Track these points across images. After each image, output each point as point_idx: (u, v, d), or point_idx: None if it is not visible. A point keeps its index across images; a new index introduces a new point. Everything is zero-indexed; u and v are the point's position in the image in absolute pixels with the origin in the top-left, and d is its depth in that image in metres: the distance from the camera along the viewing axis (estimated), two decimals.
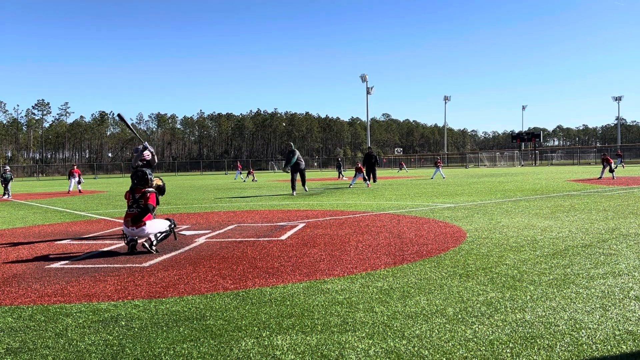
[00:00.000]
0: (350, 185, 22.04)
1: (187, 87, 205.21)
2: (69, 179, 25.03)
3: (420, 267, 5.05)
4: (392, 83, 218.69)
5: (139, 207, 6.44)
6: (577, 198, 12.46)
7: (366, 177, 22.54)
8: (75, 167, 26.09)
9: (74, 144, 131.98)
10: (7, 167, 22.95)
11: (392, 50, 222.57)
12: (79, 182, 24.76)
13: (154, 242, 6.41)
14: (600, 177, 23.16)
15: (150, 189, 6.64)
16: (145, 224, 6.33)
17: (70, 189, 24.41)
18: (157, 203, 6.70)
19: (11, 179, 22.43)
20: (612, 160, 24.22)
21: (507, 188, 17.57)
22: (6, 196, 21.21)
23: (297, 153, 18.42)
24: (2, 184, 21.99)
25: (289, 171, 18.39)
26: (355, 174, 22.83)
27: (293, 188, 17.82)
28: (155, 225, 6.47)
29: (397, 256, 5.67)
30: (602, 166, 24.31)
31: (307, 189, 18.64)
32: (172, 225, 6.78)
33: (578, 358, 2.77)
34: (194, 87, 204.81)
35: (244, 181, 35.13)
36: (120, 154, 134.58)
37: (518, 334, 3.12)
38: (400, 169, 57.10)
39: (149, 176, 6.75)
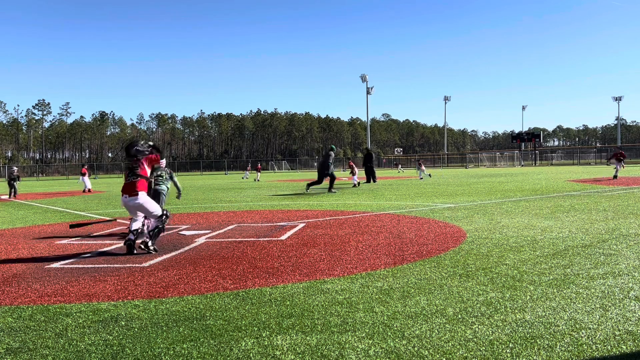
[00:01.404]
0: (355, 185, 22.07)
1: (187, 87, 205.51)
2: (82, 179, 25.35)
3: (420, 267, 5.05)
4: (392, 83, 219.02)
5: (134, 176, 6.38)
6: (577, 198, 12.46)
7: (355, 176, 22.83)
8: (85, 166, 27.03)
9: (74, 144, 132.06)
10: (15, 168, 22.64)
11: (392, 51, 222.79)
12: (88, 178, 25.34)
13: (150, 243, 6.32)
14: (616, 177, 21.22)
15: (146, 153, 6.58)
16: (138, 195, 6.28)
17: (90, 187, 24.48)
18: (152, 165, 6.67)
19: (18, 179, 22.13)
20: (625, 155, 22.38)
21: (507, 188, 17.56)
22: (11, 196, 20.99)
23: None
24: (8, 184, 21.76)
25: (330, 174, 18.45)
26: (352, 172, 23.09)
27: (310, 185, 18.44)
28: (148, 203, 6.39)
29: (397, 256, 5.67)
30: (615, 164, 21.89)
31: (334, 191, 18.16)
32: (165, 218, 6.54)
33: (578, 358, 2.77)
34: (194, 87, 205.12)
35: (257, 180, 34.97)
36: (120, 154, 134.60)
37: (518, 334, 3.12)
38: (398, 169, 56.97)
39: (138, 147, 6.56)
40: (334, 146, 20.24)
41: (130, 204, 6.35)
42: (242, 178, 41.06)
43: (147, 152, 6.59)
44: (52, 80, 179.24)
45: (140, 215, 6.62)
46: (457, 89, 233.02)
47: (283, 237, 7.34)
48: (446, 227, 7.86)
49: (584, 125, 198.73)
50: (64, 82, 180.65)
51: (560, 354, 2.82)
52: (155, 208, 6.48)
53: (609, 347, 2.89)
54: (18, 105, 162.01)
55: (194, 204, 14.64)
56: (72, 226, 8.29)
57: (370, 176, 24.24)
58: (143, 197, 6.35)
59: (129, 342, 3.21)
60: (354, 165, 23.74)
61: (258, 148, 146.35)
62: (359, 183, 22.51)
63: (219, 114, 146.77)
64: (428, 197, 14.70)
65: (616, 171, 21.81)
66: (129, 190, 6.34)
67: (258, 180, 34.71)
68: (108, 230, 8.81)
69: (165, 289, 4.52)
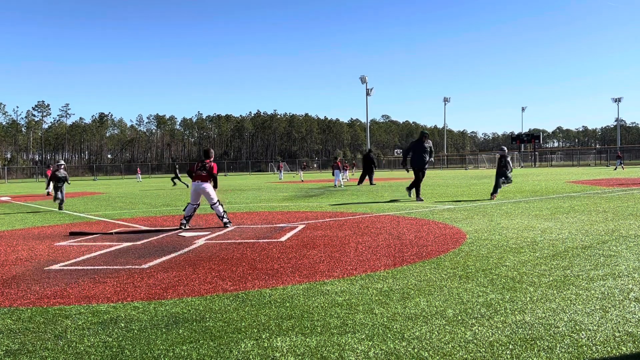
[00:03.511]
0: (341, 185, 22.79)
1: (187, 89, 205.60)
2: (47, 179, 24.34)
3: (420, 269, 5.05)
4: (391, 84, 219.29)
5: (204, 170, 9.06)
6: (576, 199, 12.46)
7: (338, 177, 23.44)
8: (50, 167, 25.87)
9: (74, 146, 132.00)
10: (62, 163, 15.40)
11: (391, 52, 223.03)
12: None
13: (224, 216, 8.99)
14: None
15: (212, 160, 9.26)
16: (207, 182, 9.04)
17: (50, 191, 23.95)
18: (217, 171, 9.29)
19: (65, 180, 14.74)
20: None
21: (506, 189, 17.55)
22: (56, 199, 14.49)
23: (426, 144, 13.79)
24: (53, 187, 14.73)
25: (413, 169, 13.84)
26: (334, 172, 23.69)
27: (418, 192, 13.77)
28: (211, 191, 9.04)
29: (396, 257, 5.66)
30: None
31: (421, 198, 13.72)
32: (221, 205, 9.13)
33: None
34: (194, 88, 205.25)
35: (284, 177, 35.05)
36: (119, 155, 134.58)
37: (518, 336, 3.12)
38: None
39: (211, 150, 9.52)
40: (426, 131, 14.79)
41: (199, 188, 8.99)
42: (280, 178, 41.49)
43: (212, 160, 9.34)
44: (52, 81, 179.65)
45: (198, 201, 9.09)
46: (457, 89, 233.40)
47: (283, 239, 7.34)
48: (446, 229, 7.86)
49: (583, 126, 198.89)
50: (63, 83, 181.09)
51: (560, 355, 2.82)
52: (214, 195, 9.07)
53: (609, 349, 2.89)
54: (17, 107, 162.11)
55: None
56: (72, 233, 8.45)
57: (368, 177, 24.45)
58: (209, 186, 9.05)
59: (129, 343, 3.21)
60: (340, 165, 24.45)
61: (258, 149, 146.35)
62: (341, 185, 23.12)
63: (218, 115, 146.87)
64: (428, 198, 14.70)
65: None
66: (201, 178, 9.01)
67: (294, 177, 34.98)
68: (107, 232, 8.81)
69: (164, 290, 4.51)
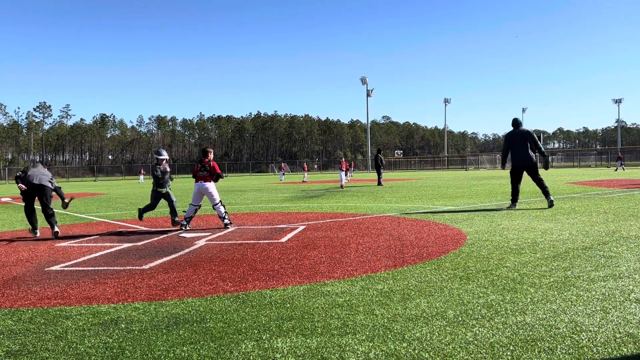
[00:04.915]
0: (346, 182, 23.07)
1: (187, 90, 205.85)
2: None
3: (421, 270, 5.05)
4: (392, 85, 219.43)
5: (205, 170, 9.04)
6: (577, 200, 12.45)
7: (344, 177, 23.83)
8: (19, 174, 24.93)
9: (74, 147, 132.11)
10: (164, 154, 9.69)
11: (392, 52, 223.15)
12: None
13: (226, 220, 8.98)
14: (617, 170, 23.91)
15: (211, 159, 9.23)
16: (209, 182, 9.03)
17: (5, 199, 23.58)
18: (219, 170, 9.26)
19: (164, 178, 9.40)
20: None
21: (507, 190, 17.55)
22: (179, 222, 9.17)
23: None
24: (155, 188, 9.42)
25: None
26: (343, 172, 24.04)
27: (514, 199, 10.88)
28: (214, 191, 9.05)
29: (397, 259, 5.66)
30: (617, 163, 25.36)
31: (551, 199, 10.74)
32: (222, 204, 9.11)
33: None
34: (194, 89, 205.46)
35: (304, 181, 35.27)
36: (120, 156, 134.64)
37: (518, 337, 3.12)
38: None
39: (208, 149, 9.41)
40: (519, 118, 11.21)
41: (202, 188, 8.98)
42: (280, 179, 41.66)
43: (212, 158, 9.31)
44: (52, 82, 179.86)
45: (200, 202, 9.12)
46: (457, 90, 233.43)
47: (283, 240, 7.34)
48: (446, 230, 7.85)
49: (584, 127, 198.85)
50: (63, 84, 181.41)
51: (561, 356, 2.82)
52: (217, 196, 9.09)
53: (609, 350, 2.89)
54: (19, 108, 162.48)
55: None
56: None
57: (378, 177, 24.82)
58: (211, 186, 9.06)
59: (129, 344, 3.21)
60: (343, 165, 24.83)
61: (258, 150, 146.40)
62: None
63: (218, 116, 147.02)
64: (428, 199, 14.70)
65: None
66: (203, 179, 9.02)
67: (301, 180, 35.05)
68: (108, 233, 8.81)
69: (165, 291, 4.52)
